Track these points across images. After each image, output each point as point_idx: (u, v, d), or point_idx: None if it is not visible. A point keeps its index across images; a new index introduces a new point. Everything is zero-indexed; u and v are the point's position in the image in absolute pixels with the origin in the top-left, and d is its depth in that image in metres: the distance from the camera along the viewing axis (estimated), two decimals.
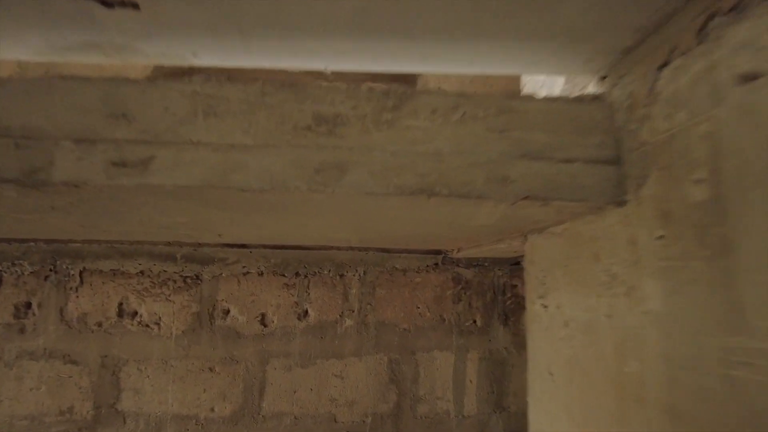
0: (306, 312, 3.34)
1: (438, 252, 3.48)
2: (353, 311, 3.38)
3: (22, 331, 3.15)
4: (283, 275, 3.35)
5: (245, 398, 3.23)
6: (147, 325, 3.21)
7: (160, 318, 3.22)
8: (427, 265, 3.49)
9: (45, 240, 3.16)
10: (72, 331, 3.16)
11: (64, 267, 3.21)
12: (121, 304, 3.20)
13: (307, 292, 3.35)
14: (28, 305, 3.18)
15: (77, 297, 3.18)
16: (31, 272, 3.19)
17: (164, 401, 3.16)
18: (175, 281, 3.26)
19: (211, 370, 3.23)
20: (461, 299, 3.52)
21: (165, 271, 3.25)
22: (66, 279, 3.19)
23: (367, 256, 3.43)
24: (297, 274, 3.36)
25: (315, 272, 3.38)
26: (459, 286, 3.52)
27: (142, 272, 3.23)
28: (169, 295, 3.24)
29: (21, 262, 3.20)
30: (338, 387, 3.31)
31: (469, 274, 3.54)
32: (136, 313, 3.21)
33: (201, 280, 3.29)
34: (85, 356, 3.15)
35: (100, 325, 3.18)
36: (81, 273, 3.20)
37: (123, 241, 3.17)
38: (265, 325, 3.31)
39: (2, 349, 3.12)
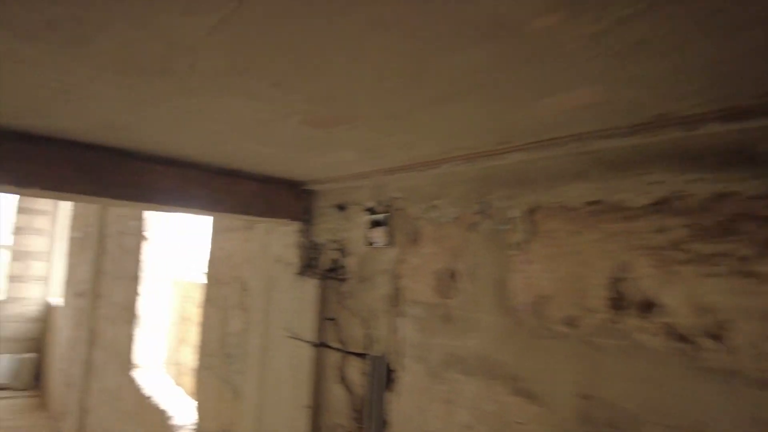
0: None
1: None
2: None
3: (447, 318, 1.58)
4: None
5: None
6: (684, 338, 1.07)
7: (723, 324, 1.03)
8: None
9: (464, 156, 1.48)
10: (521, 329, 1.37)
11: (500, 205, 1.45)
12: (617, 279, 1.19)
13: None
14: (452, 274, 1.57)
15: (527, 262, 1.37)
16: (455, 218, 1.58)
17: None
18: (754, 218, 1.00)
19: None
20: None
21: (726, 193, 1.04)
22: (504, 227, 1.42)
23: None
24: None
25: None
26: None
27: (656, 204, 1.12)
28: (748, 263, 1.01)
29: (438, 201, 1.64)
30: None
31: None
32: (650, 304, 1.13)
33: None
34: (549, 387, 1.30)
35: (573, 323, 1.26)
36: (531, 213, 1.37)
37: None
38: None
39: (426, 346, 1.62)
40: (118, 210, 5.09)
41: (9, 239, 8.41)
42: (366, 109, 1.16)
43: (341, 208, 2.13)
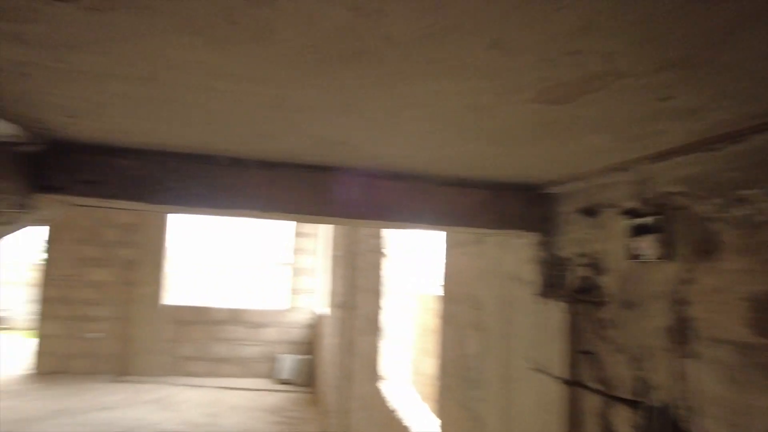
0: None
1: None
2: None
3: None
4: None
5: None
6: None
7: None
8: None
9: None
10: None
11: None
12: None
13: None
14: None
15: None
16: None
17: None
18: None
19: None
20: None
21: None
22: None
23: None
24: None
25: None
26: None
27: None
28: None
29: (746, 192, 1.11)
30: None
31: None
32: None
33: None
34: None
35: None
36: None
37: None
38: None
39: (741, 405, 1.10)
40: (365, 230, 5.47)
41: (290, 258, 10.03)
42: (630, 58, 0.78)
43: (590, 212, 1.70)
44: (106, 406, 7.05)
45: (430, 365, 5.09)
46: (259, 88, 0.99)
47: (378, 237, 4.76)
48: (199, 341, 9.17)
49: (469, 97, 0.97)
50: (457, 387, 2.81)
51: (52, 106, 1.24)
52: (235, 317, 9.37)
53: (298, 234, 9.95)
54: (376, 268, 4.86)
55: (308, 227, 9.93)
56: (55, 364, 8.73)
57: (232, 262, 13.43)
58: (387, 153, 1.49)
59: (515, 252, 2.13)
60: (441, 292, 3.17)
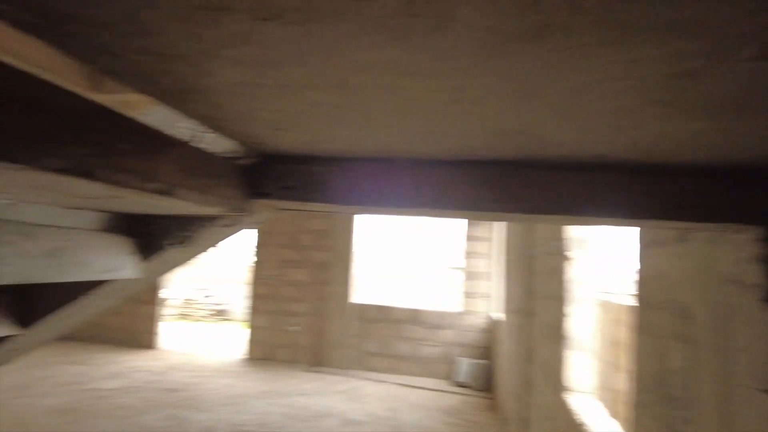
0: None
1: None
2: None
3: None
4: None
5: None
6: None
7: None
8: None
9: None
10: None
11: None
12: None
13: None
14: None
15: None
16: None
17: None
18: None
19: None
20: None
21: None
22: None
23: None
24: None
25: None
26: None
27: None
28: None
29: None
30: None
31: None
32: None
33: None
34: None
35: None
36: None
37: None
38: None
39: None
40: (542, 233, 5.22)
41: (462, 262, 10.08)
42: None
43: None
44: (303, 392, 7.92)
45: (619, 380, 4.61)
46: (437, 83, 1.01)
47: (559, 239, 4.48)
48: (382, 338, 9.75)
49: (671, 63, 0.85)
50: (656, 405, 2.48)
51: (262, 121, 1.44)
52: (414, 317, 9.74)
53: (470, 238, 9.94)
54: (556, 272, 4.58)
55: (481, 231, 9.85)
56: (264, 352, 10.12)
57: (410, 264, 14.01)
58: (570, 140, 1.39)
59: (732, 250, 1.80)
60: (635, 299, 2.84)
